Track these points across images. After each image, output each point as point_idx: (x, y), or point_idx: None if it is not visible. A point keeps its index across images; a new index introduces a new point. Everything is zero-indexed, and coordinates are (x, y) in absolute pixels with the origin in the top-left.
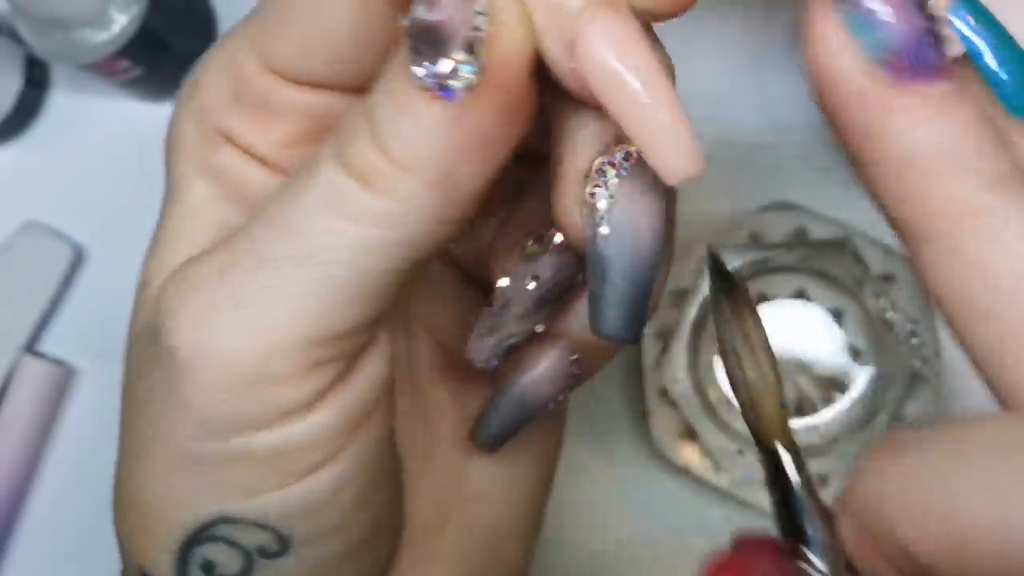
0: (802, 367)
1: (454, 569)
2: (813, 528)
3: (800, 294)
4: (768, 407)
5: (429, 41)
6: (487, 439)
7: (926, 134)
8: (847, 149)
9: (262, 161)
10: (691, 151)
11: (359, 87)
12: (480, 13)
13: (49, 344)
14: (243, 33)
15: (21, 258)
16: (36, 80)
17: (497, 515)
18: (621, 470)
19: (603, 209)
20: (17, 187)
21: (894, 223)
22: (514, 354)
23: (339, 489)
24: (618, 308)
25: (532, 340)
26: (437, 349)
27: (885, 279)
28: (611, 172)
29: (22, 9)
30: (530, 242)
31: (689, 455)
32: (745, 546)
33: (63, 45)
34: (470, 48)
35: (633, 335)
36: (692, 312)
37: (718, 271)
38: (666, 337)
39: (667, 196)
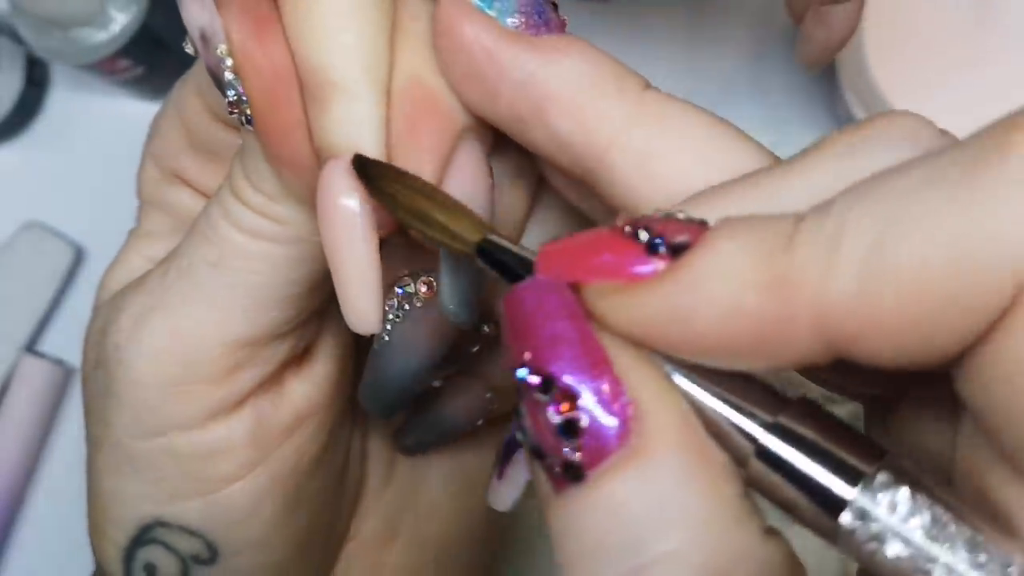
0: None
1: None
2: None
3: None
4: (461, 220)
5: (215, 83)
6: (404, 448)
7: (570, 68)
8: (510, 122)
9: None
10: (366, 315)
11: None
12: (221, 54)
13: (49, 344)
14: (192, 78)
15: (21, 258)
16: (36, 80)
17: (447, 533)
18: None
19: (389, 321)
20: (17, 187)
21: (561, 169)
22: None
23: (257, 503)
24: (377, 398)
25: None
26: None
27: None
28: (410, 292)
29: (22, 9)
30: None
31: None
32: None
33: (63, 45)
34: (231, 84)
35: (385, 416)
36: None
37: (362, 172)
38: None
39: (446, 330)
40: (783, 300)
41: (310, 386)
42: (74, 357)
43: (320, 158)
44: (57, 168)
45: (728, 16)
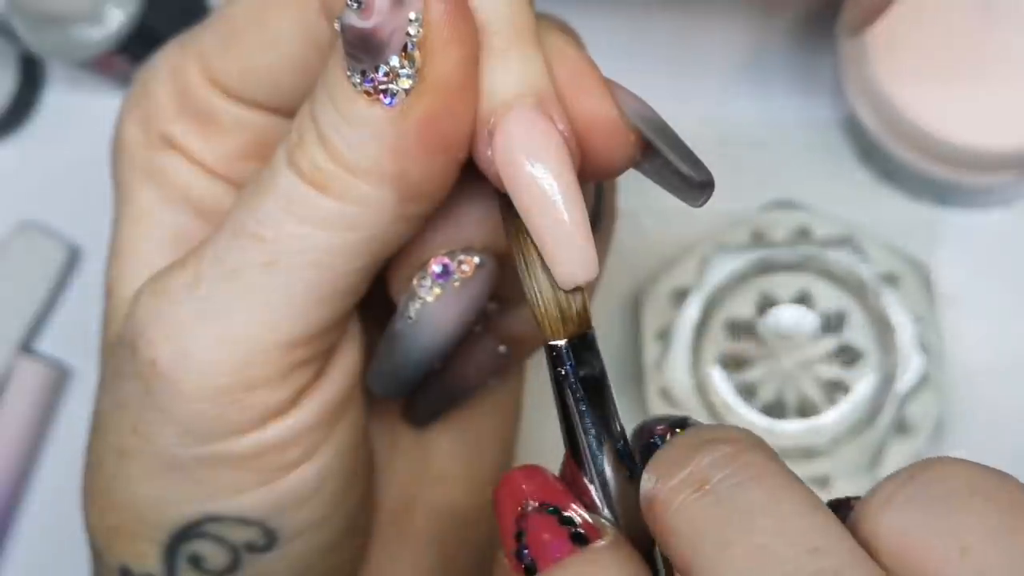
0: (804, 368)
1: (423, 552)
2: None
3: (803, 293)
4: (551, 308)
5: (364, 48)
6: (417, 419)
7: None
8: None
9: (206, 169)
10: (584, 259)
11: None
12: (414, 20)
13: (44, 343)
14: (192, 44)
15: (16, 258)
16: (31, 78)
17: (460, 497)
18: None
19: (418, 299)
20: (12, 186)
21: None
22: None
23: (323, 482)
24: (394, 381)
25: None
26: None
27: (888, 278)
28: (441, 272)
29: (18, 5)
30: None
31: None
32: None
33: (59, 42)
34: (405, 53)
35: (397, 396)
36: (693, 312)
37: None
38: (667, 337)
39: (477, 308)
40: None
41: (356, 351)
42: (70, 357)
43: (489, 117)
44: (52, 167)
45: (728, 14)
